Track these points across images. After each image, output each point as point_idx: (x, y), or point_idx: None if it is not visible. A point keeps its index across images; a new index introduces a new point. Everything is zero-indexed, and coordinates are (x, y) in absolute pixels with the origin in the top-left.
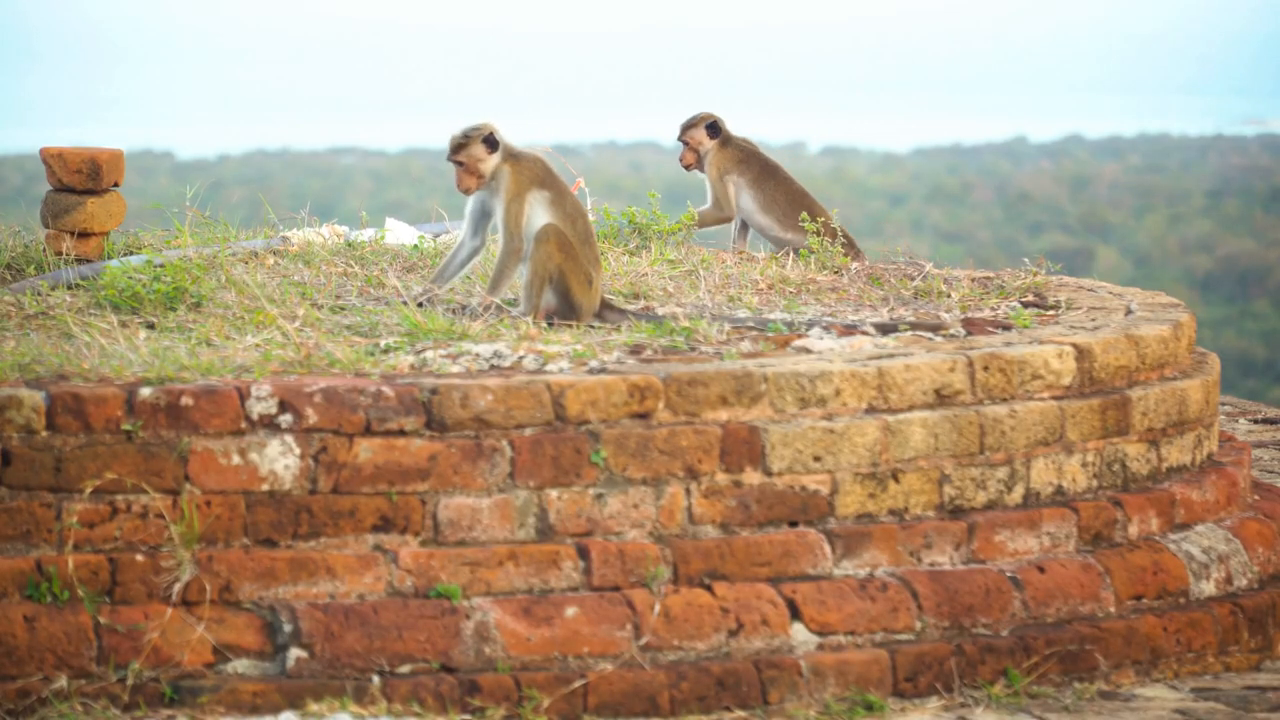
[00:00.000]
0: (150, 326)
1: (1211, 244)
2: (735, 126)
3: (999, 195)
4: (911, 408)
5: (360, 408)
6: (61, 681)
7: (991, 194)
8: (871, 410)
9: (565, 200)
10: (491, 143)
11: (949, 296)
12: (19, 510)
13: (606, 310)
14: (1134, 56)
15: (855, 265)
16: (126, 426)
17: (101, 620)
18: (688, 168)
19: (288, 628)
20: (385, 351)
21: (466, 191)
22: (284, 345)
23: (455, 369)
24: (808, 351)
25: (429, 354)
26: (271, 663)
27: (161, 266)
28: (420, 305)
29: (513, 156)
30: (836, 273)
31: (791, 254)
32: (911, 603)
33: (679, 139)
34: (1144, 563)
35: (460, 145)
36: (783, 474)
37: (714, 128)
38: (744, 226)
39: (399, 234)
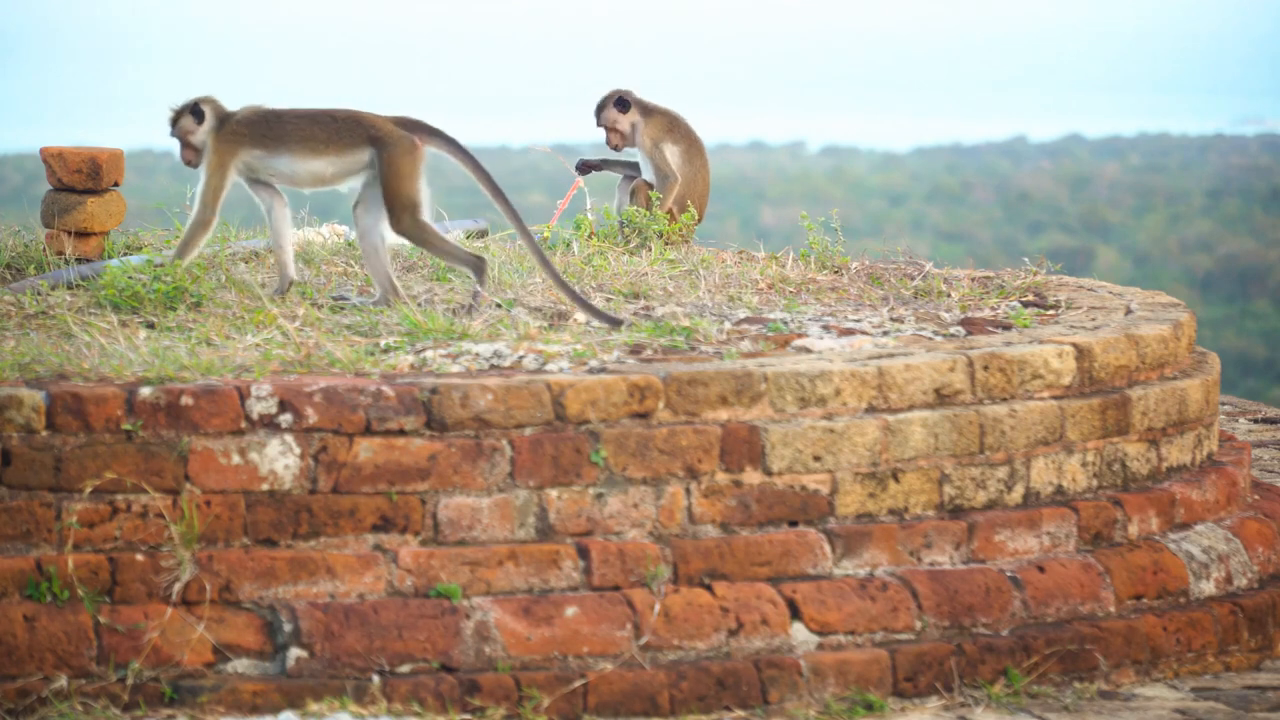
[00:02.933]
0: (150, 326)
1: (1211, 244)
2: (737, 126)
3: (999, 195)
4: (911, 407)
5: (360, 407)
6: (61, 681)
7: (991, 194)
8: (871, 410)
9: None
10: (198, 114)
11: (949, 296)
12: (19, 510)
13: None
14: (1134, 56)
15: (854, 265)
16: (126, 426)
17: (101, 620)
18: (616, 148)
19: (288, 627)
20: (385, 351)
21: (189, 163)
22: (284, 345)
23: (455, 369)
24: (808, 351)
25: (429, 353)
26: (271, 662)
27: (161, 266)
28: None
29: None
30: (836, 272)
31: (791, 253)
32: (911, 602)
33: (600, 125)
34: (1144, 562)
35: (173, 120)
36: (783, 474)
37: (622, 102)
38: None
39: None
